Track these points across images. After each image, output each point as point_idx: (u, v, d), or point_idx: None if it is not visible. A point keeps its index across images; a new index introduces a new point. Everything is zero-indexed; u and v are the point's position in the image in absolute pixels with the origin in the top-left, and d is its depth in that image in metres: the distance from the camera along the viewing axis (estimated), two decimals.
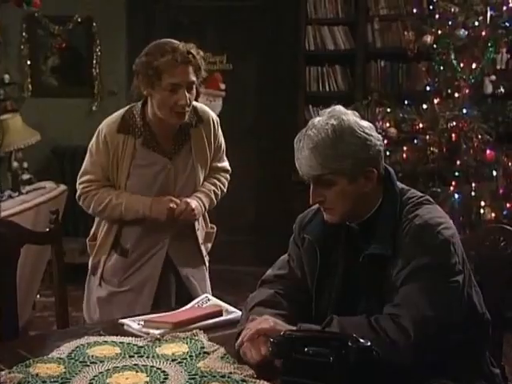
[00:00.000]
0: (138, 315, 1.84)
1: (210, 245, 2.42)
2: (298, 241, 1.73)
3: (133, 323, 1.76)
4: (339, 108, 1.61)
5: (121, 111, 2.25)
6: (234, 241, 5.28)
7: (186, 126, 2.24)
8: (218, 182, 2.36)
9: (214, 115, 2.32)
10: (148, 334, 1.69)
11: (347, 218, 1.62)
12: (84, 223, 4.72)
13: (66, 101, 4.78)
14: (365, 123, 1.60)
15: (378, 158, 1.59)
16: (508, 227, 1.78)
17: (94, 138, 2.24)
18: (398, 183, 1.65)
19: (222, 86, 4.37)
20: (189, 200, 2.22)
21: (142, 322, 1.76)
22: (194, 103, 2.24)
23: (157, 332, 1.68)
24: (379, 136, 1.60)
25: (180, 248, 2.28)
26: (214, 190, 2.33)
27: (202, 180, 2.30)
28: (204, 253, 2.37)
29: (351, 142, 1.54)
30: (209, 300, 1.94)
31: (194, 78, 2.12)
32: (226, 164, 2.40)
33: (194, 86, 2.15)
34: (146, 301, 2.23)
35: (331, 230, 1.66)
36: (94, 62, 4.77)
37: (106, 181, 2.23)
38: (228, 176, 2.41)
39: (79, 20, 4.75)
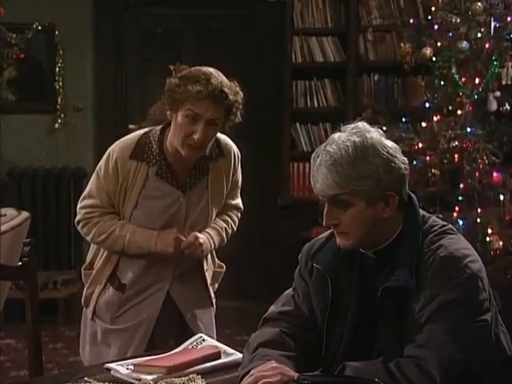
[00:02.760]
0: (128, 358, 1.84)
1: (216, 285, 2.43)
2: (304, 273, 1.74)
3: (121, 368, 1.74)
4: (363, 124, 1.64)
5: (136, 134, 2.25)
6: None
7: (206, 160, 2.25)
8: (229, 220, 2.38)
9: (236, 149, 2.33)
10: (139, 379, 1.67)
11: (362, 245, 1.64)
12: (44, 254, 4.69)
13: (25, 117, 4.76)
14: (389, 143, 1.62)
15: (401, 182, 1.61)
16: None
17: (103, 161, 2.24)
18: (420, 210, 1.68)
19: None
20: (198, 234, 2.23)
21: (132, 367, 1.74)
22: (218, 135, 2.25)
23: (149, 378, 1.66)
24: (405, 159, 1.62)
25: (184, 289, 2.29)
26: (225, 228, 2.35)
27: (213, 218, 2.32)
28: (212, 295, 2.38)
29: (373, 162, 1.56)
30: (204, 340, 1.94)
31: (217, 116, 2.12)
32: (239, 201, 2.42)
33: (218, 125, 2.15)
34: (139, 344, 2.23)
35: (344, 258, 1.67)
36: (57, 74, 4.77)
37: (110, 208, 2.25)
38: (239, 215, 2.43)
39: (40, 28, 4.75)
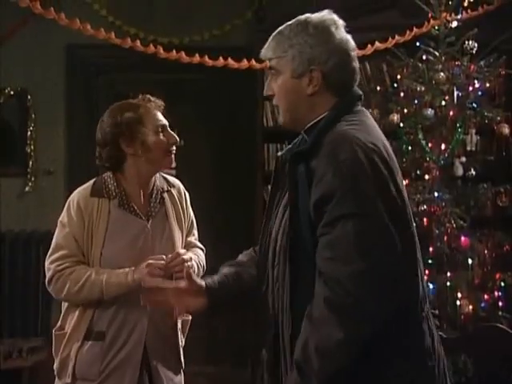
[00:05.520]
0: None
1: (183, 340, 2.41)
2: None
3: None
4: (331, 13, 1.73)
5: (90, 181, 2.36)
6: None
7: (159, 190, 2.37)
8: (198, 255, 2.43)
9: (183, 186, 2.49)
10: None
11: (293, 123, 1.73)
12: (9, 321, 4.56)
13: None
14: (342, 34, 1.69)
15: (332, 64, 1.66)
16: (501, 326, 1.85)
17: (64, 211, 2.29)
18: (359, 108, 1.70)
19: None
20: (180, 250, 2.30)
21: None
22: (164, 175, 2.44)
23: None
24: (353, 55, 1.69)
25: (156, 334, 2.28)
26: (198, 256, 2.41)
27: (181, 244, 2.37)
28: (181, 343, 2.36)
29: (307, 34, 1.67)
30: None
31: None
32: (198, 243, 2.50)
33: None
34: None
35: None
36: (29, 138, 4.77)
37: (80, 256, 2.25)
38: (204, 256, 2.49)
39: (12, 93, 4.77)
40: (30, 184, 4.75)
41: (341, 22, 1.72)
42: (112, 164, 2.32)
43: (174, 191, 2.41)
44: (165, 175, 2.45)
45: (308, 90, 1.67)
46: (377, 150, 1.58)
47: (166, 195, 2.37)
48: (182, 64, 3.64)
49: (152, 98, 2.40)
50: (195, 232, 2.48)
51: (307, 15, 1.72)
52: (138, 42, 3.35)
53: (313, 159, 1.59)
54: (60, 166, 4.78)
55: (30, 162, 4.76)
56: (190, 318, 2.44)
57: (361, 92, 1.73)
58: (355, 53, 1.71)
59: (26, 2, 2.85)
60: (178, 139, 2.37)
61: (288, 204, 1.62)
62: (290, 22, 1.72)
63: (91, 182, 2.35)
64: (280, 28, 1.73)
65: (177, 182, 2.49)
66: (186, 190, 2.50)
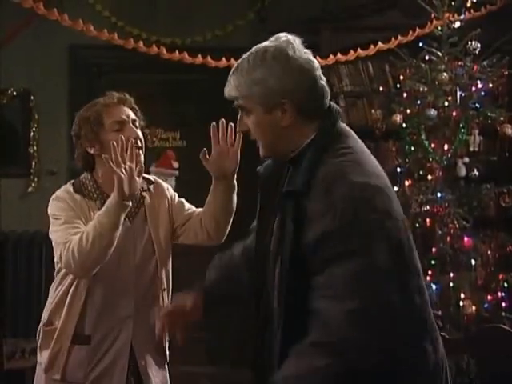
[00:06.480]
0: None
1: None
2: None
3: None
4: (285, 35, 1.65)
5: (67, 184, 2.33)
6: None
7: (139, 191, 2.30)
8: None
9: (158, 179, 2.44)
10: None
11: (274, 154, 1.68)
12: (12, 321, 4.56)
13: None
14: (301, 55, 1.61)
15: (300, 91, 1.60)
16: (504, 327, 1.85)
17: (50, 205, 2.28)
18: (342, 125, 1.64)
19: (175, 165, 4.45)
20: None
21: None
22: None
23: None
24: (316, 74, 1.61)
25: (142, 334, 2.26)
26: None
27: (162, 251, 2.31)
28: (166, 342, 2.34)
29: (268, 66, 1.59)
30: None
31: (133, 117, 2.27)
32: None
33: (138, 127, 2.28)
34: None
35: (276, 169, 1.72)
36: (32, 138, 4.77)
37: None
38: None
39: (15, 93, 4.77)
40: (32, 185, 4.76)
41: (298, 41, 1.64)
42: (83, 164, 2.31)
43: (152, 188, 2.38)
44: (148, 176, 2.42)
45: (283, 123, 1.61)
46: (375, 180, 1.56)
47: (145, 194, 2.34)
48: (185, 64, 3.64)
49: (117, 94, 2.29)
50: (190, 206, 2.44)
51: (262, 45, 1.64)
52: (141, 43, 3.35)
53: (304, 196, 1.55)
54: (63, 167, 4.78)
55: (33, 163, 4.76)
56: None
57: (337, 107, 1.67)
58: (319, 71, 1.64)
59: (30, 3, 2.86)
60: (138, 134, 2.24)
61: (280, 239, 1.60)
62: (245, 56, 1.64)
63: (70, 182, 2.33)
64: (237, 64, 1.65)
65: (157, 179, 2.45)
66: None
